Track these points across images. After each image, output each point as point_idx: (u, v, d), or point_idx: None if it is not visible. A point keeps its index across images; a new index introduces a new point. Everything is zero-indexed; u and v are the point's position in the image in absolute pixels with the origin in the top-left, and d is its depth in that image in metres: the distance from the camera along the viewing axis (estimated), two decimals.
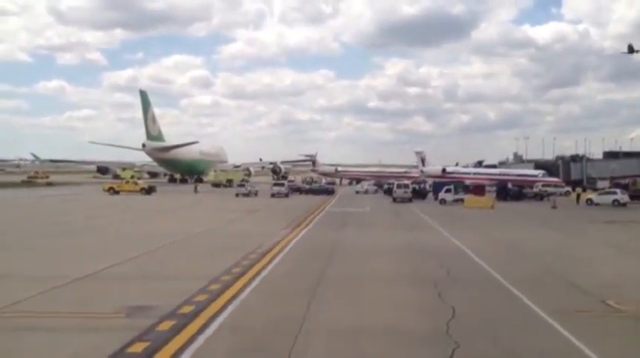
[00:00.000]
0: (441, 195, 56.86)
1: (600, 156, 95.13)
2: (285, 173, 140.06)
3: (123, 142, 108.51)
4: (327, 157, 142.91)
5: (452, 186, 58.54)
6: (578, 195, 61.91)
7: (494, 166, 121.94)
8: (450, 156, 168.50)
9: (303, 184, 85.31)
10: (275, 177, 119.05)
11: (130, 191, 69.43)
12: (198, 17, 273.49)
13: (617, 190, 57.59)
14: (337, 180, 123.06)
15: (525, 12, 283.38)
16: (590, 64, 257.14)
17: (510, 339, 11.01)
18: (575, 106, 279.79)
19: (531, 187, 72.63)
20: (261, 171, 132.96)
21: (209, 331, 10.90)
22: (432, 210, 48.29)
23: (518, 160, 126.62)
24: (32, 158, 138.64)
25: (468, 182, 78.08)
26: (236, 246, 22.55)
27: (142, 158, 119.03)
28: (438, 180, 78.39)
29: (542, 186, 74.16)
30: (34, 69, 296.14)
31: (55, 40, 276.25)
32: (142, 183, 73.79)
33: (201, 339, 10.36)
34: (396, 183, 64.01)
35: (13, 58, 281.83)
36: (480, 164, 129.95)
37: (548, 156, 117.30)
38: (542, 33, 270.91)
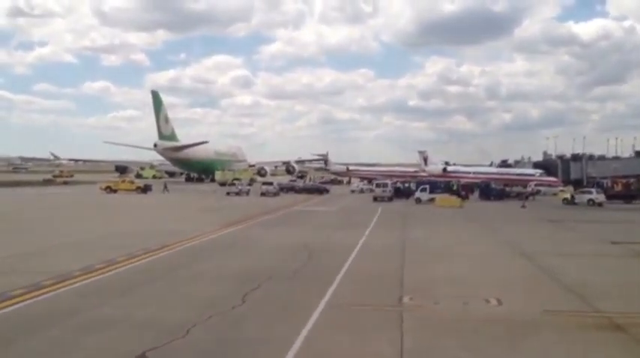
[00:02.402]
0: (417, 194, 57.27)
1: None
2: (304, 172, 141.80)
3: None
4: (367, 157, 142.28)
5: (427, 186, 58.93)
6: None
7: (509, 166, 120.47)
8: (488, 155, 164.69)
9: (297, 183, 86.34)
10: (297, 177, 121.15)
11: (126, 190, 71.70)
12: (239, 17, 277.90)
13: (593, 190, 56.78)
14: (345, 179, 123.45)
15: (569, 9, 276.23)
16: (636, 61, 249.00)
17: (254, 327, 12.01)
18: (621, 104, 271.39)
19: (524, 187, 72.01)
20: (276, 171, 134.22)
21: None
22: (396, 209, 48.86)
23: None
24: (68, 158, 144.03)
25: (463, 181, 78.02)
26: (134, 245, 23.38)
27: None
28: (432, 178, 78.62)
29: (536, 185, 73.58)
30: (80, 70, 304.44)
31: (99, 41, 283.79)
32: (138, 183, 75.91)
33: None
34: (375, 182, 64.44)
35: (59, 59, 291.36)
36: (504, 163, 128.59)
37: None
38: (586, 30, 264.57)
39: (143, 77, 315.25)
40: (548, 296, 15.42)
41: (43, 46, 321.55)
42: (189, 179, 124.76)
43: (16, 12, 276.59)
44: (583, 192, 55.98)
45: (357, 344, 11.01)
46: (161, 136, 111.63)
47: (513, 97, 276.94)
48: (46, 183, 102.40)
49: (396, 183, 70.08)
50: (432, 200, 54.43)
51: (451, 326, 12.29)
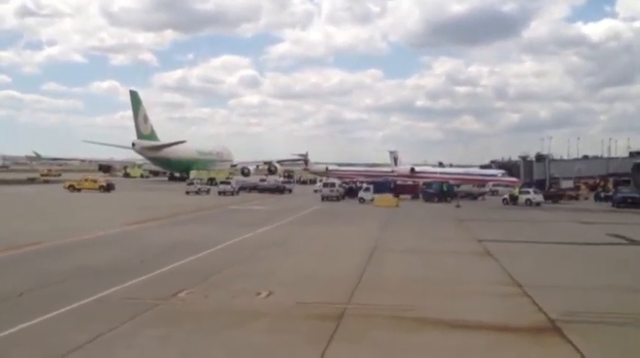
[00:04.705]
0: (360, 193, 57.84)
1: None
2: (291, 171, 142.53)
3: (172, 141, 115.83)
4: (374, 157, 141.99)
5: (370, 186, 59.65)
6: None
7: (489, 167, 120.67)
8: (493, 156, 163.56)
9: (259, 182, 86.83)
10: (285, 176, 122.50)
11: (89, 188, 72.61)
12: (247, 18, 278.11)
13: (530, 190, 57.44)
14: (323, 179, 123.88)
15: (578, 9, 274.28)
16: None
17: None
18: (630, 105, 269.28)
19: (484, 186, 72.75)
20: (258, 170, 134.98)
21: None
22: (334, 208, 49.61)
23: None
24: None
25: (426, 181, 78.61)
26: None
27: None
28: (381, 179, 79.60)
29: (494, 185, 74.25)
30: (88, 69, 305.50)
31: (107, 41, 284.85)
32: (101, 182, 76.64)
33: None
34: (323, 182, 65.05)
35: (68, 58, 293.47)
36: (493, 163, 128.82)
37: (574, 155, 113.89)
38: (596, 30, 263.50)
39: (151, 77, 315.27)
40: (327, 289, 15.97)
41: (51, 46, 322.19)
42: (172, 178, 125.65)
43: (25, 12, 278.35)
44: (521, 193, 56.56)
45: (70, 333, 11.60)
46: (140, 135, 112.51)
47: (521, 98, 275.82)
48: (29, 181, 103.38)
49: (353, 182, 70.60)
50: (373, 199, 55.01)
51: (183, 317, 12.90)
